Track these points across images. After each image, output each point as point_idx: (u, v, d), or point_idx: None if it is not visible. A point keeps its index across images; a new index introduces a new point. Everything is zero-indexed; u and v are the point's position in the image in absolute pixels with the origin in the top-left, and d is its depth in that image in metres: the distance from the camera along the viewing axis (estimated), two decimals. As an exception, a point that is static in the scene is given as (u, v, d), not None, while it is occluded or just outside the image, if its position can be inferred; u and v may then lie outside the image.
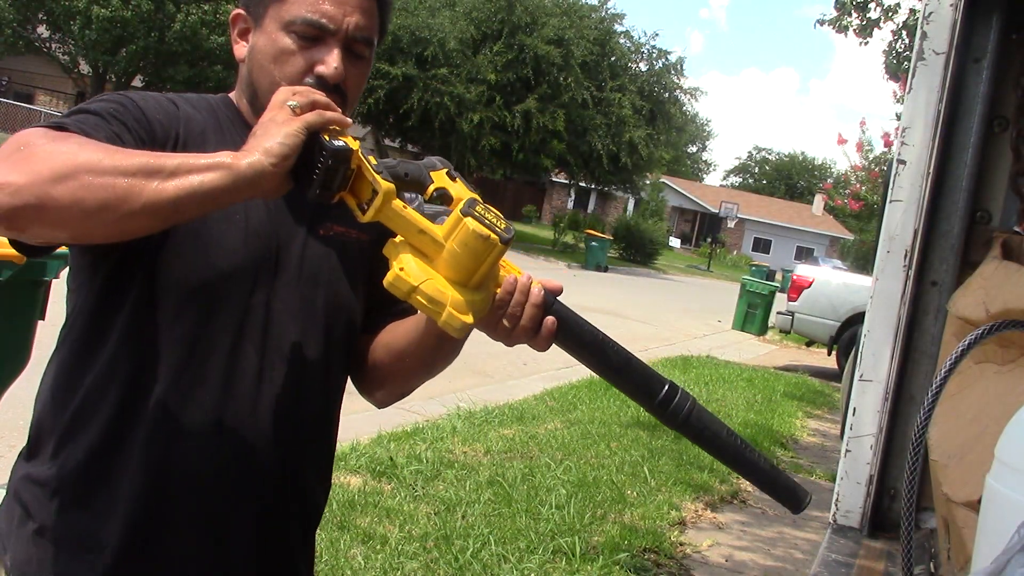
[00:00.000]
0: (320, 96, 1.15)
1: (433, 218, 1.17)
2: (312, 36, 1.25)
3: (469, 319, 1.13)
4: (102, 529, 1.20)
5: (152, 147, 1.17)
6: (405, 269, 1.10)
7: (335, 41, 1.25)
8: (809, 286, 12.09)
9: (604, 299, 17.76)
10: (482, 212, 1.14)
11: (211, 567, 1.25)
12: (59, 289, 3.09)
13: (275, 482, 1.28)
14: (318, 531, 1.48)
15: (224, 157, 1.06)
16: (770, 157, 77.20)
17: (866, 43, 11.91)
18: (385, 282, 1.11)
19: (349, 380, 1.45)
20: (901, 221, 2.47)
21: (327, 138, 1.10)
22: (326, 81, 1.24)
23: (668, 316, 16.83)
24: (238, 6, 1.32)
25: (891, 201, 2.50)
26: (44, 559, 1.20)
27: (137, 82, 24.79)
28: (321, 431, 1.37)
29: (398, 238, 1.15)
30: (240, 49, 1.31)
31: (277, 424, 1.26)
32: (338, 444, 1.51)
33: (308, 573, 1.39)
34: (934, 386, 1.61)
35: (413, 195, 1.24)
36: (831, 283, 12.28)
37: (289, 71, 1.25)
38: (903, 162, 2.47)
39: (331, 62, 1.24)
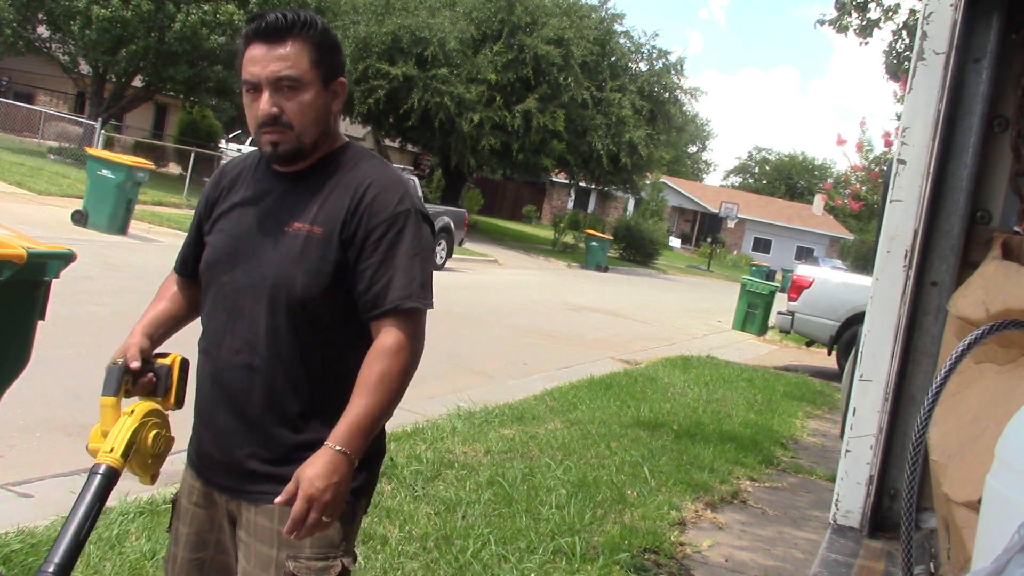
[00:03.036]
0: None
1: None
2: (252, 91, 1.76)
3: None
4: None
5: (204, 213, 1.95)
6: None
7: (264, 87, 1.74)
8: (809, 286, 12.08)
9: (604, 299, 17.76)
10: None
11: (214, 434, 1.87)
12: (59, 289, 3.09)
13: (232, 401, 1.83)
14: None
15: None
16: (770, 157, 77.09)
17: (866, 43, 11.91)
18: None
19: None
20: (901, 221, 2.47)
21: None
22: (263, 120, 1.75)
23: (668, 316, 16.83)
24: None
25: (891, 201, 2.50)
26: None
27: (137, 82, 24.75)
28: (275, 371, 1.80)
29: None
30: None
31: (232, 361, 1.81)
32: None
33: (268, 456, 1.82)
34: (934, 386, 1.61)
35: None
36: (831, 283, 12.27)
37: (251, 119, 1.78)
38: (903, 162, 2.47)
39: (261, 105, 1.75)
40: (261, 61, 1.73)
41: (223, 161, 2.20)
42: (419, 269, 1.79)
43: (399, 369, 1.73)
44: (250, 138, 31.41)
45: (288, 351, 1.78)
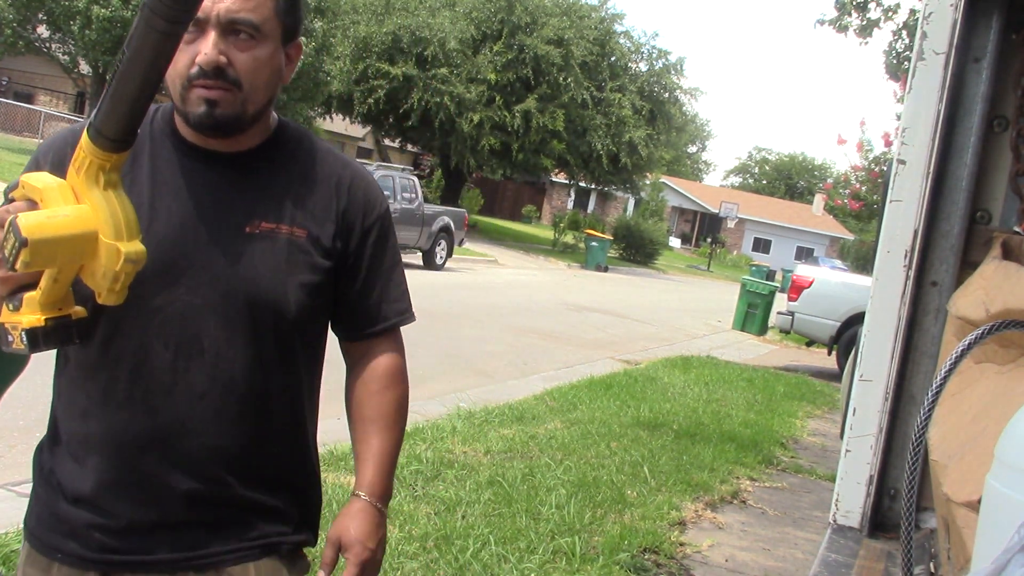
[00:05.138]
0: None
1: None
2: (192, 30, 1.30)
3: None
4: (71, 484, 1.42)
5: None
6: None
7: (209, 28, 1.31)
8: (809, 286, 12.08)
9: (604, 299, 17.76)
10: None
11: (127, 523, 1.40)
12: (59, 289, 3.09)
13: (193, 462, 1.38)
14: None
15: None
16: (770, 157, 77.15)
17: (866, 43, 11.94)
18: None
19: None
20: (901, 221, 2.47)
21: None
22: (201, 69, 1.31)
23: (668, 316, 16.83)
24: None
25: (891, 201, 2.50)
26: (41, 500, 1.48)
27: (137, 82, 24.78)
28: (258, 417, 1.42)
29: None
30: None
31: (196, 409, 1.37)
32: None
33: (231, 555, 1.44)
34: (934, 386, 1.61)
35: None
36: (831, 283, 12.27)
37: (178, 67, 1.32)
38: (903, 162, 2.47)
39: (205, 49, 1.31)
40: None
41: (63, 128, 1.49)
42: (403, 275, 1.58)
43: (406, 392, 1.56)
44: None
45: (277, 387, 1.44)
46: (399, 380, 1.55)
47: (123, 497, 1.37)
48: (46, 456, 1.47)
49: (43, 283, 1.14)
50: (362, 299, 1.51)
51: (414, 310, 1.59)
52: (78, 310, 1.19)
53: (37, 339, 1.14)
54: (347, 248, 1.47)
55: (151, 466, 1.37)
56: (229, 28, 1.32)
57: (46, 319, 1.14)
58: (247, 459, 1.42)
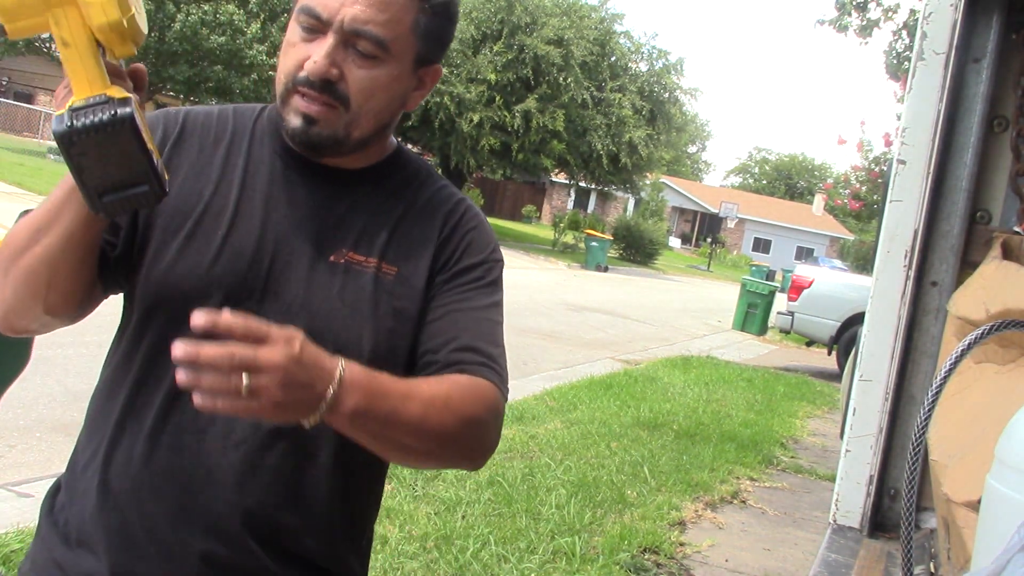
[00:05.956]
0: None
1: None
2: (312, 28, 1.13)
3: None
4: (83, 526, 1.19)
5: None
6: None
7: (330, 33, 1.12)
8: (809, 286, 12.09)
9: (604, 299, 17.77)
10: None
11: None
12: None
13: (214, 519, 1.15)
14: None
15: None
16: (770, 157, 77.22)
17: (866, 43, 11.95)
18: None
19: None
20: (901, 221, 2.47)
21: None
22: (307, 77, 1.13)
23: (668, 316, 16.83)
24: None
25: (891, 201, 2.50)
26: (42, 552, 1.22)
27: (137, 82, 24.84)
28: (301, 483, 1.18)
29: None
30: None
31: (228, 458, 1.15)
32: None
33: None
34: (934, 386, 1.61)
35: None
36: (831, 283, 12.29)
37: (288, 64, 1.16)
38: (903, 162, 2.47)
39: (314, 55, 1.12)
40: None
41: (183, 108, 1.30)
42: (503, 341, 1.24)
43: (474, 413, 1.13)
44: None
45: (333, 451, 1.18)
46: (473, 394, 1.14)
47: (130, 547, 1.15)
48: (62, 486, 1.24)
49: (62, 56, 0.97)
50: (448, 338, 1.19)
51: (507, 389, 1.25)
52: (116, 89, 0.97)
53: (64, 123, 0.95)
54: (431, 285, 1.22)
55: (165, 514, 1.15)
56: (350, 39, 1.12)
57: (74, 100, 0.96)
58: (281, 529, 1.17)
